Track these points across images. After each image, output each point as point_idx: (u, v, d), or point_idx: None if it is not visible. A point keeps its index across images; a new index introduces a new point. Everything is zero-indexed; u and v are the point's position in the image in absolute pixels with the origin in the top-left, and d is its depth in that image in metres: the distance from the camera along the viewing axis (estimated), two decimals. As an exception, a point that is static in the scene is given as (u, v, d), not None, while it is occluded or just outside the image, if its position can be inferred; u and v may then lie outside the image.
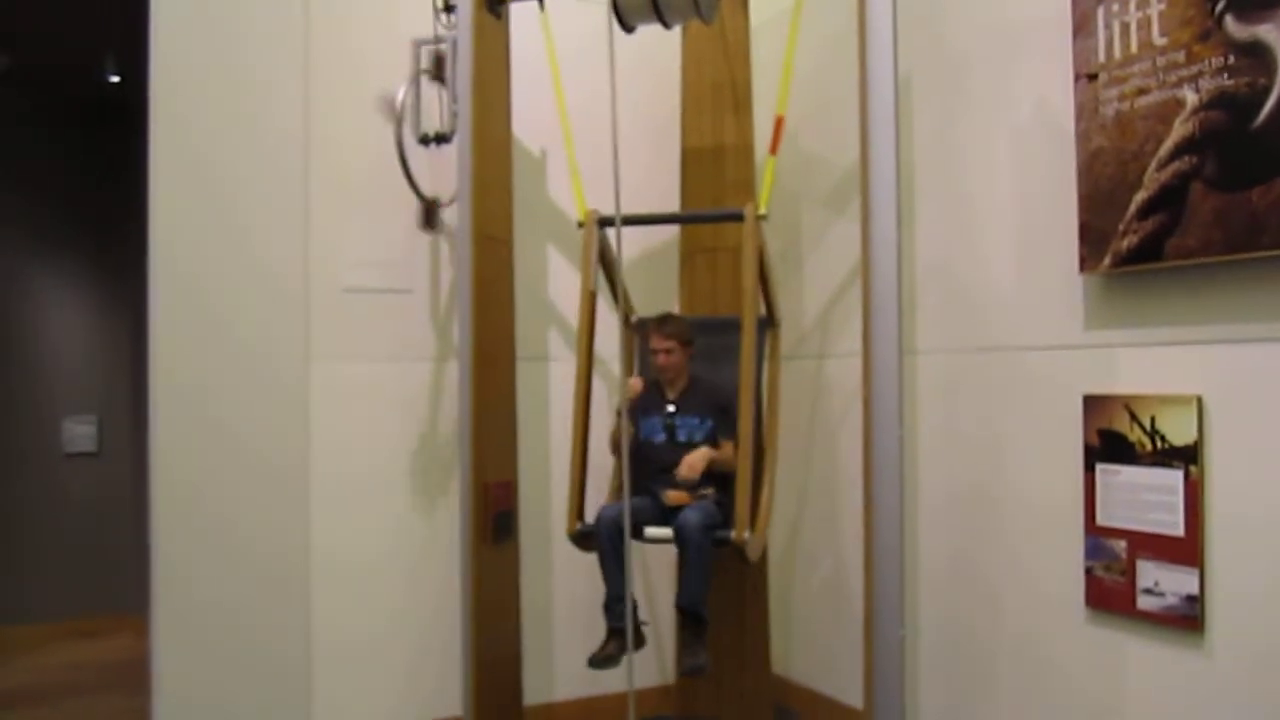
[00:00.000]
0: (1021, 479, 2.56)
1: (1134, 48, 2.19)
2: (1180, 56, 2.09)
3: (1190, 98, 2.07)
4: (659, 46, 3.20)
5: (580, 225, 2.80)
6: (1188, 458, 2.13)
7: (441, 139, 3.02)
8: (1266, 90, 1.93)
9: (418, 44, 3.00)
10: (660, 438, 2.80)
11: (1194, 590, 2.11)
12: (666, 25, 2.71)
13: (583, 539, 2.70)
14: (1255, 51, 1.95)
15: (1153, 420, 2.20)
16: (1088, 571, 2.35)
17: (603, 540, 2.62)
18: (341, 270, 3.05)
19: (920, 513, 2.86)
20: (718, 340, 2.93)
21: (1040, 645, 2.50)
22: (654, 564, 3.37)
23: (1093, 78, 2.29)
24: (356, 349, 3.07)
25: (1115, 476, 2.29)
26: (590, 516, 2.70)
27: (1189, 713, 2.14)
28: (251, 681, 2.89)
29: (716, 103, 3.25)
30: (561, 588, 3.32)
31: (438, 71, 3.00)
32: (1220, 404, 2.09)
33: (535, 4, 2.89)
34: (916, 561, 2.86)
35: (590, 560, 2.72)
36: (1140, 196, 2.17)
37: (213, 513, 2.85)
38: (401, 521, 3.12)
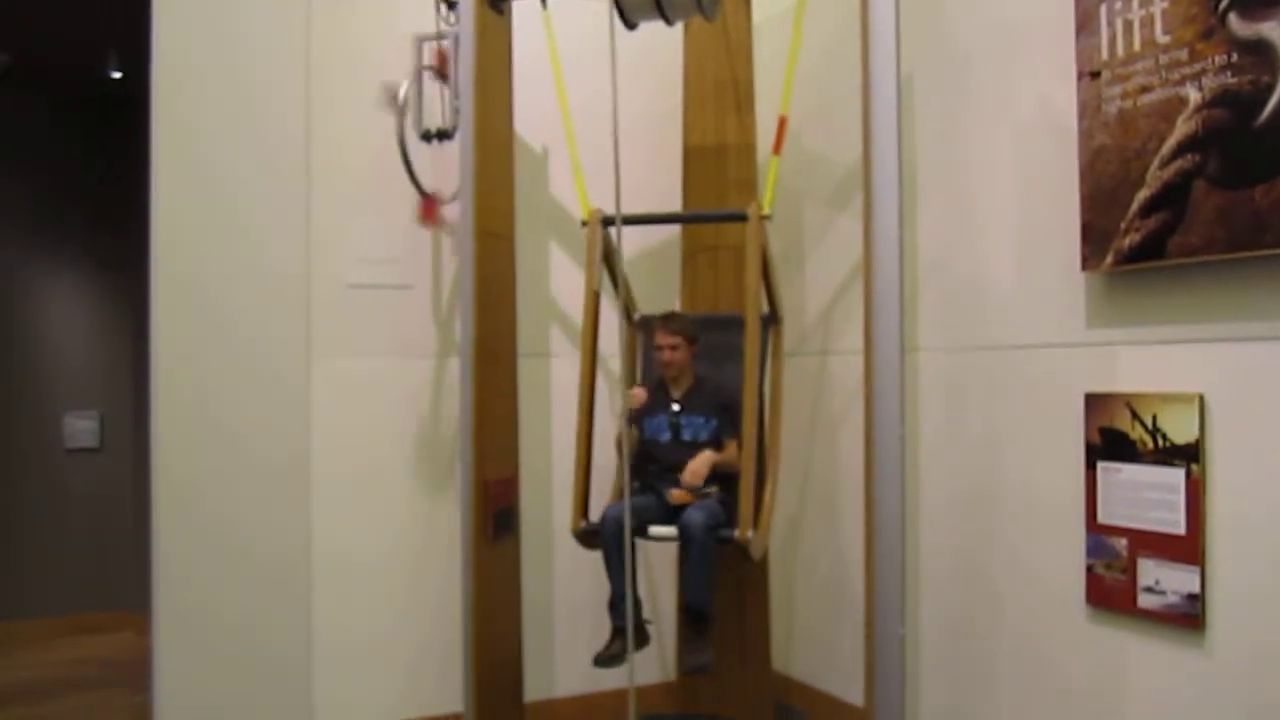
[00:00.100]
0: (1023, 477, 2.56)
1: (1137, 45, 2.19)
2: (1183, 54, 2.09)
3: (1193, 96, 2.07)
4: (661, 43, 3.20)
5: (584, 224, 2.80)
6: (1189, 456, 2.13)
7: (443, 135, 3.02)
8: (1270, 88, 1.93)
9: (420, 40, 3.00)
10: (665, 436, 2.80)
11: (1195, 589, 2.11)
12: (669, 22, 2.71)
13: (587, 537, 2.70)
14: (1259, 49, 1.95)
15: (1154, 419, 2.20)
16: (1089, 569, 2.35)
17: (607, 539, 2.62)
18: (343, 266, 3.05)
19: (921, 510, 2.86)
20: (721, 338, 2.93)
21: (1041, 643, 2.50)
22: (656, 562, 3.37)
23: (1095, 76, 2.29)
24: (358, 345, 3.07)
25: (1116, 475, 2.29)
26: (595, 515, 2.70)
27: (1189, 711, 2.14)
28: (252, 678, 2.89)
29: (719, 100, 3.25)
30: (563, 584, 3.32)
31: (440, 68, 3.00)
32: (1222, 403, 2.09)
33: (537, 0, 2.88)
34: (917, 559, 2.86)
35: (591, 557, 2.72)
36: (1143, 194, 2.17)
37: (214, 508, 2.85)
38: (403, 517, 3.12)
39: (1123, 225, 2.21)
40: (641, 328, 3.09)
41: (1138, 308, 2.26)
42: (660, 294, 3.28)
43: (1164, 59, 2.13)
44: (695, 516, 2.59)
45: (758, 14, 3.27)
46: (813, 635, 3.39)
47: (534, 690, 3.17)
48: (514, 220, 3.01)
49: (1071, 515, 2.40)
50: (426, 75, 3.02)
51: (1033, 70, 2.52)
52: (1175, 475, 2.16)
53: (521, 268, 3.06)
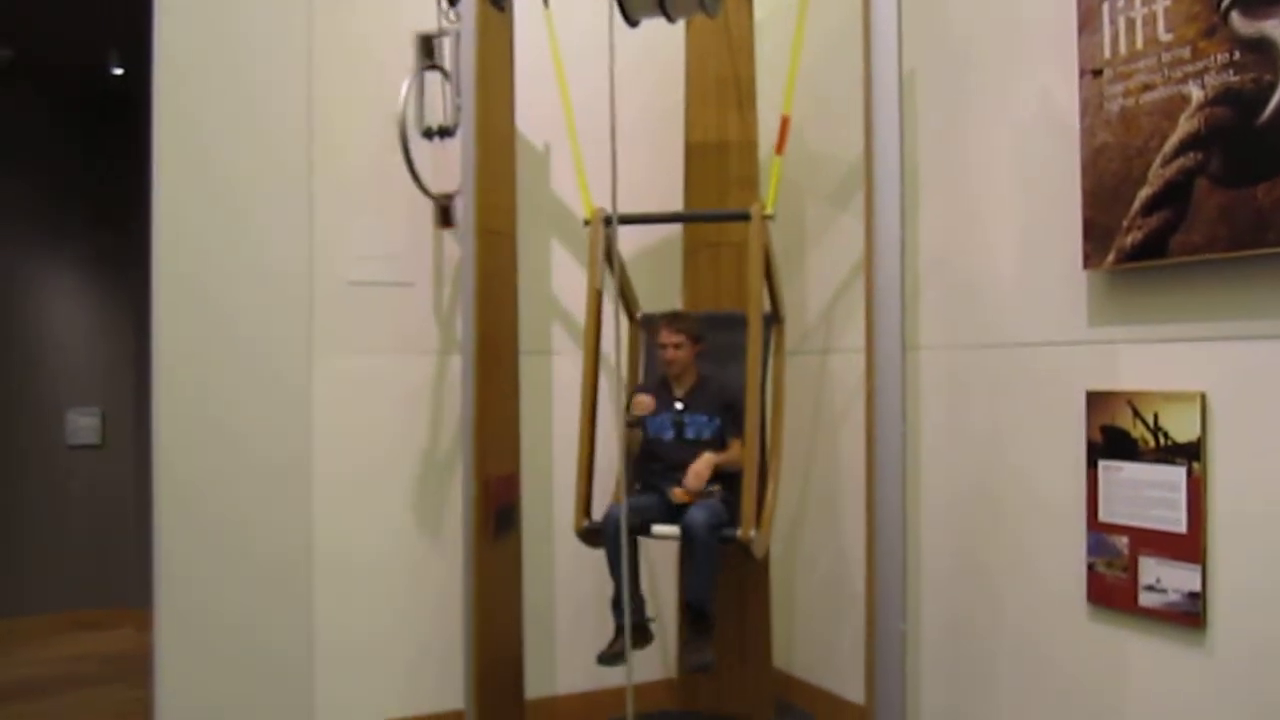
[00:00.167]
0: (1024, 475, 2.56)
1: (1139, 43, 2.19)
2: (1186, 52, 2.09)
3: (1195, 94, 2.07)
4: (663, 40, 3.20)
5: (586, 224, 2.80)
6: (1191, 454, 2.13)
7: (445, 132, 3.02)
8: (1272, 86, 1.93)
9: (421, 37, 3.00)
10: (669, 435, 2.80)
11: (1196, 587, 2.11)
12: (670, 19, 2.71)
13: (590, 536, 2.71)
14: (1261, 47, 1.95)
15: (1156, 417, 2.20)
16: (1089, 568, 2.35)
17: (610, 538, 2.63)
18: (344, 263, 3.05)
19: (922, 508, 2.86)
20: (724, 337, 2.93)
21: (1041, 641, 2.50)
22: (658, 559, 3.37)
23: (1097, 73, 2.29)
24: (360, 343, 3.07)
25: (1118, 473, 2.29)
26: (597, 514, 2.71)
27: (1190, 709, 2.14)
28: (254, 674, 2.89)
29: (720, 97, 3.24)
30: (564, 581, 3.32)
31: (441, 64, 3.00)
32: (1224, 401, 2.08)
33: (539, -3, 2.89)
34: (918, 557, 2.86)
35: (592, 554, 2.73)
36: (1145, 193, 2.17)
37: (216, 505, 2.85)
38: (404, 514, 3.13)
39: (1125, 223, 2.21)
40: (645, 326, 3.09)
41: (1139, 306, 2.26)
42: (661, 291, 3.28)
43: (1166, 57, 2.12)
44: (698, 516, 2.59)
45: (759, 11, 3.27)
46: (814, 633, 3.39)
47: (535, 688, 3.17)
48: (515, 217, 3.01)
49: (1072, 513, 2.40)
50: (427, 72, 3.01)
51: (1035, 68, 2.52)
52: (1176, 474, 2.16)
53: (523, 265, 3.06)
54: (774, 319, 2.99)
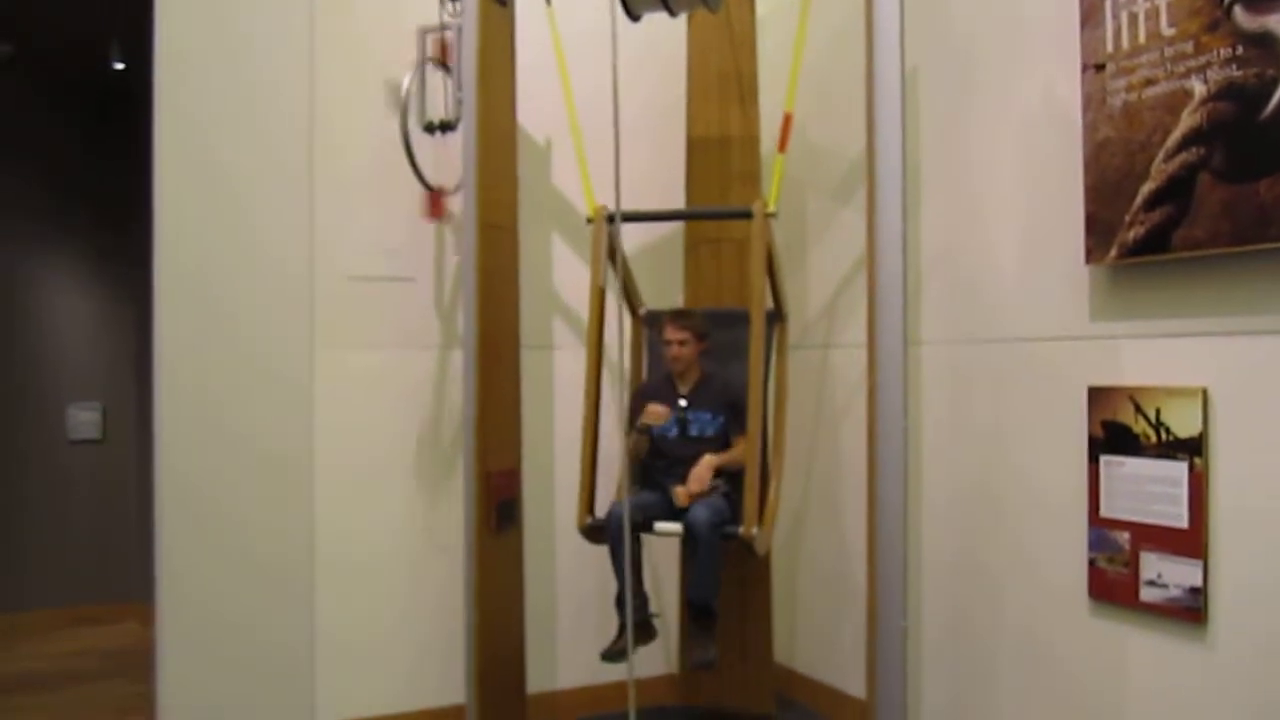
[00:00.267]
0: (1025, 470, 2.56)
1: (1142, 38, 2.18)
2: (1188, 47, 2.08)
3: (1198, 88, 2.07)
4: (665, 35, 3.19)
5: (589, 221, 2.80)
6: (1192, 450, 2.13)
7: (446, 127, 3.01)
8: (1275, 81, 1.93)
9: (423, 31, 2.99)
10: (673, 432, 2.80)
11: (1197, 582, 2.11)
12: (672, 14, 2.71)
13: (593, 533, 2.71)
14: (1264, 42, 1.95)
15: (1158, 412, 2.20)
16: (1091, 563, 2.35)
17: (613, 536, 2.63)
18: (346, 259, 3.05)
19: (923, 503, 2.86)
20: (727, 334, 2.93)
21: (1042, 636, 2.51)
22: (660, 555, 3.37)
23: (1100, 68, 2.28)
24: (361, 337, 3.07)
25: (1119, 468, 2.29)
26: (600, 510, 2.71)
27: (1191, 704, 2.15)
28: (255, 669, 2.89)
29: (722, 93, 3.24)
30: (565, 576, 3.32)
31: (443, 59, 3.00)
32: (1226, 396, 2.08)
33: (541, -8, 2.89)
34: (920, 552, 2.86)
35: (593, 549, 2.73)
36: (1147, 187, 2.17)
37: (217, 500, 2.85)
38: (405, 508, 3.13)
39: (1127, 218, 2.21)
40: (649, 323, 3.09)
41: (1141, 301, 2.26)
42: (663, 285, 3.28)
43: (1169, 52, 2.12)
44: (700, 514, 2.60)
45: (761, 6, 3.27)
46: (815, 628, 3.39)
47: (536, 682, 3.17)
48: (517, 212, 3.01)
49: (1074, 509, 2.40)
50: (429, 67, 3.01)
51: (1037, 63, 2.51)
52: (1178, 469, 2.15)
53: (524, 259, 3.06)
54: (777, 316, 2.99)
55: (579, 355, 2.98)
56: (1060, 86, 2.43)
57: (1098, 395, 2.34)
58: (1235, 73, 2.00)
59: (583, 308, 2.94)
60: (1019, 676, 2.58)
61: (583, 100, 2.85)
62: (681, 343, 2.80)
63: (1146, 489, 2.22)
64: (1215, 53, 2.03)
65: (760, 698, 3.24)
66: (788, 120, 2.75)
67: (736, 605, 3.17)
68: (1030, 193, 2.55)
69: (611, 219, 2.76)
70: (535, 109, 3.11)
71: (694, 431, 2.79)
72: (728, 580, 2.93)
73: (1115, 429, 2.29)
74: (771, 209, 2.68)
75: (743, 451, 2.68)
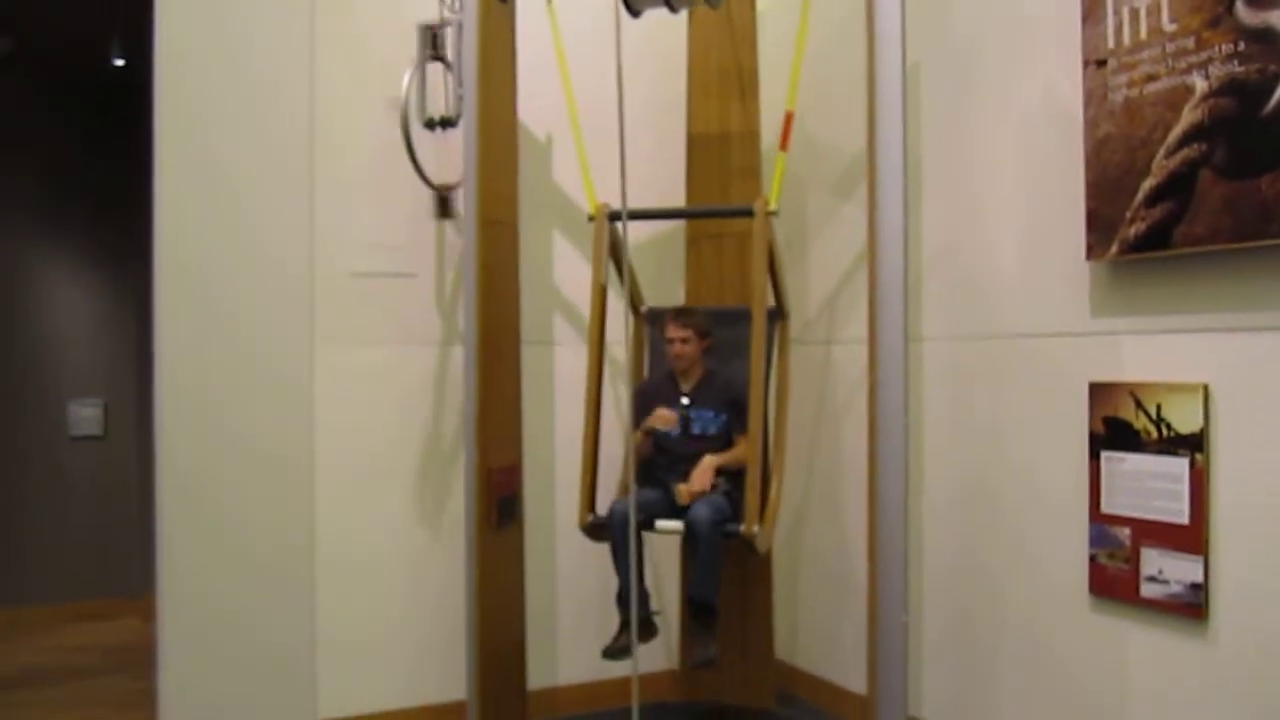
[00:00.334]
0: (1026, 466, 2.56)
1: (1143, 34, 2.18)
2: (1190, 43, 2.08)
3: (1200, 84, 2.06)
4: (665, 31, 3.19)
5: (591, 219, 2.80)
6: (1193, 446, 2.13)
7: (447, 123, 3.01)
8: (1277, 77, 1.92)
9: (423, 27, 2.99)
10: (675, 430, 2.80)
11: (1198, 578, 2.11)
12: (673, 9, 2.70)
13: (595, 530, 2.71)
14: (1266, 38, 1.94)
15: (1159, 408, 2.20)
16: (1092, 559, 2.35)
17: (615, 534, 2.63)
18: (346, 254, 3.04)
19: (924, 499, 2.86)
20: (729, 332, 2.93)
21: (1043, 632, 2.51)
22: (662, 552, 3.37)
23: (1101, 64, 2.28)
24: (361, 334, 3.07)
25: (1120, 464, 2.29)
26: (601, 507, 2.71)
27: (1192, 700, 2.15)
28: (256, 665, 2.90)
29: (723, 88, 3.24)
30: (566, 572, 3.32)
31: (443, 55, 3.00)
32: (1227, 392, 2.08)
33: (541, -12, 2.88)
34: (920, 548, 2.87)
35: (593, 546, 2.73)
36: (1148, 184, 2.17)
37: (218, 496, 2.85)
38: (406, 504, 3.13)
39: (1128, 214, 2.21)
40: (651, 321, 3.09)
41: (1143, 297, 2.26)
42: (664, 281, 3.28)
43: (1170, 47, 2.12)
44: (702, 512, 2.60)
45: (762, 2, 3.26)
46: (816, 624, 3.39)
47: (537, 678, 3.17)
48: (517, 208, 3.01)
49: (1075, 505, 2.40)
50: (429, 63, 3.01)
51: (1038, 59, 2.51)
52: (1179, 465, 2.16)
53: (525, 255, 3.06)
54: (778, 314, 2.99)
55: (579, 351, 2.98)
56: (1061, 82, 2.42)
57: (1099, 391, 2.34)
58: (1237, 68, 1.99)
59: (583, 303, 2.93)
60: (1019, 672, 2.58)
61: (583, 96, 2.85)
62: (684, 340, 2.80)
63: (1147, 485, 2.22)
64: (1217, 48, 2.03)
65: (761, 693, 3.24)
66: (789, 118, 2.75)
67: (738, 602, 3.17)
68: (1031, 189, 2.55)
69: (613, 217, 2.76)
70: (536, 105, 3.11)
71: (696, 430, 2.79)
72: (729, 577, 2.93)
73: (1116, 425, 2.29)
74: (772, 207, 2.68)
75: (745, 450, 2.68)
